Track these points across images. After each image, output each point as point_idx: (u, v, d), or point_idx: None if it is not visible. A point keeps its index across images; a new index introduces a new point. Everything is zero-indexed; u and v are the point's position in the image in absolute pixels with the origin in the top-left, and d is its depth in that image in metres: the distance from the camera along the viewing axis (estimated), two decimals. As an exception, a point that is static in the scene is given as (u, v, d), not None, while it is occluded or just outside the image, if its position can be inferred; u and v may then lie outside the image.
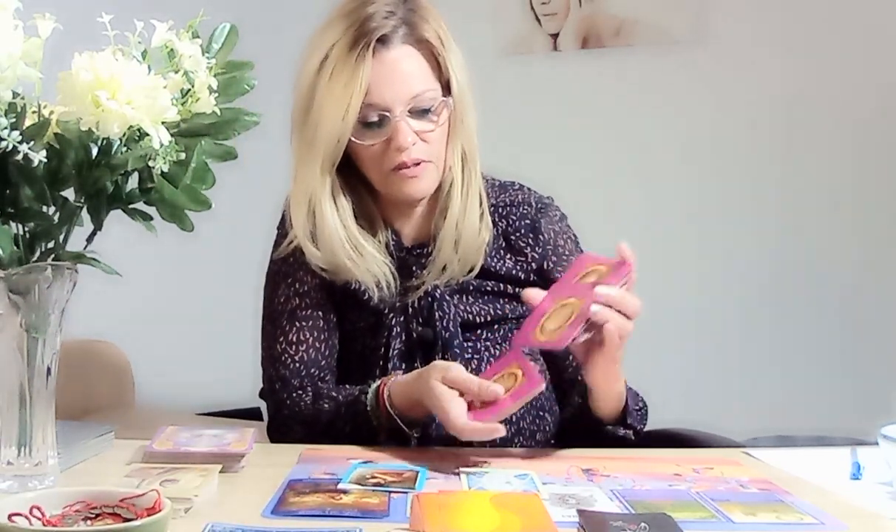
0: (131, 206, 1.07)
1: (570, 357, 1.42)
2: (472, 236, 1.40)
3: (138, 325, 2.62)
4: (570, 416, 1.43)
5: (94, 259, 1.04)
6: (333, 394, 1.38)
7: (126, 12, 1.04)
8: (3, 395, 1.03)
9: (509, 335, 1.43)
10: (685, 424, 1.48)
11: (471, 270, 1.41)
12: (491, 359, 1.40)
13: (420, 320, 1.40)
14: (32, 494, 0.88)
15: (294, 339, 1.42)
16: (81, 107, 0.97)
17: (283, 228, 1.45)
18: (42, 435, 1.05)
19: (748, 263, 2.90)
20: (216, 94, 1.06)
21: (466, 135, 1.40)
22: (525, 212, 1.46)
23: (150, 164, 1.02)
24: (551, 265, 1.44)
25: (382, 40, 1.33)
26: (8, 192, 1.01)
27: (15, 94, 0.98)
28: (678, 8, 2.96)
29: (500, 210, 1.45)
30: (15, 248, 1.01)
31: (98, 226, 1.06)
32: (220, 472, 1.12)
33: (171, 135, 1.02)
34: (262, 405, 1.49)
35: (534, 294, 1.26)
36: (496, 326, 1.43)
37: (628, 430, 1.35)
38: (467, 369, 1.23)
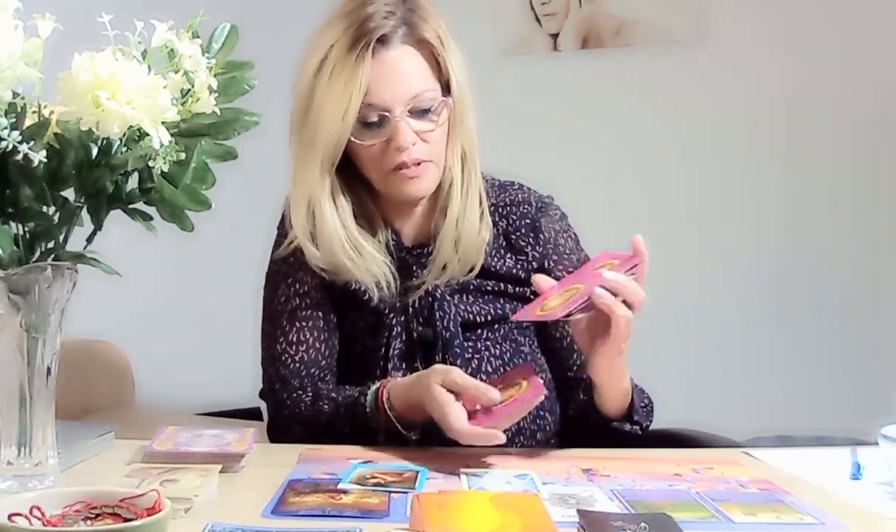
0: (131, 206, 1.07)
1: (575, 354, 1.42)
2: (472, 236, 1.40)
3: (138, 325, 2.62)
4: (576, 414, 1.42)
5: (94, 259, 1.04)
6: (333, 395, 1.38)
7: (126, 12, 1.04)
8: (3, 395, 1.03)
9: (510, 335, 1.43)
10: (685, 424, 1.47)
11: (471, 270, 1.41)
12: (491, 359, 1.40)
13: (420, 320, 1.40)
14: (32, 494, 0.88)
15: (294, 339, 1.42)
16: (81, 107, 0.97)
17: (283, 229, 1.45)
18: (42, 435, 1.04)
19: (748, 263, 2.90)
20: (216, 94, 1.06)
21: (466, 135, 1.40)
22: (525, 211, 1.46)
23: (150, 164, 1.02)
24: (552, 264, 1.44)
25: (382, 40, 1.33)
26: (8, 192, 1.01)
27: (15, 94, 0.98)
28: (678, 8, 2.96)
29: (501, 209, 1.45)
30: (15, 248, 1.01)
31: (98, 226, 1.06)
32: (220, 472, 1.12)
33: (171, 135, 1.02)
34: (262, 405, 1.49)
35: (544, 278, 1.26)
36: (496, 326, 1.42)
37: (634, 426, 1.35)
38: (467, 369, 1.23)
